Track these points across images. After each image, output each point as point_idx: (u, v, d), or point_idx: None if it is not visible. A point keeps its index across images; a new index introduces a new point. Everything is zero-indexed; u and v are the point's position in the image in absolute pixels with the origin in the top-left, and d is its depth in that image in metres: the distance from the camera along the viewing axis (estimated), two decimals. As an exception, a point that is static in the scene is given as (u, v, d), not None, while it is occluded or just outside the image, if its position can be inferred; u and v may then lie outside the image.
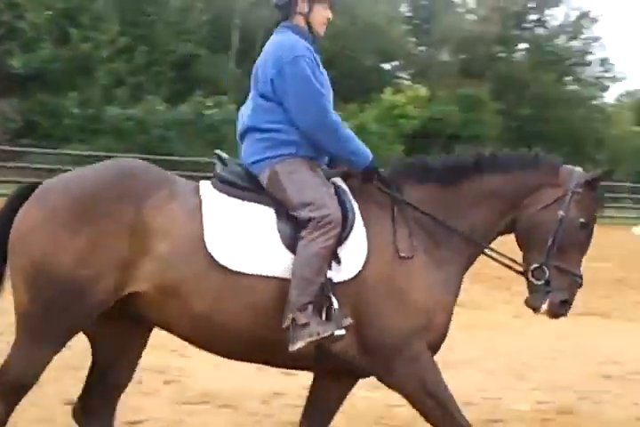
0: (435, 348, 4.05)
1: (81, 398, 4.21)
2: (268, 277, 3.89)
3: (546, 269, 4.17)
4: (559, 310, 4.21)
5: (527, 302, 4.27)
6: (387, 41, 40.06)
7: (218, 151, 4.38)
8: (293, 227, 3.98)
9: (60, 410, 5.01)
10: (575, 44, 47.26)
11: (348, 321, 3.85)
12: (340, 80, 23.57)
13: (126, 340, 4.14)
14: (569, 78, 47.43)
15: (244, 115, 4.32)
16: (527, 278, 4.25)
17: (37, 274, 3.74)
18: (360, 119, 31.36)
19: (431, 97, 36.06)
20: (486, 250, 4.30)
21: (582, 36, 46.97)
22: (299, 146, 4.18)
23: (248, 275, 3.88)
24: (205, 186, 4.08)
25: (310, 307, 3.83)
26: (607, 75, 48.44)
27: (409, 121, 34.27)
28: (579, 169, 4.39)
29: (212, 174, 4.20)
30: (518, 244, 4.35)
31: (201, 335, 4.04)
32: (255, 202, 4.08)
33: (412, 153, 19.93)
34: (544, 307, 4.19)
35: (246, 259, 3.90)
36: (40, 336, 3.85)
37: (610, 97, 50.24)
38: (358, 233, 3.99)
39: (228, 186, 4.12)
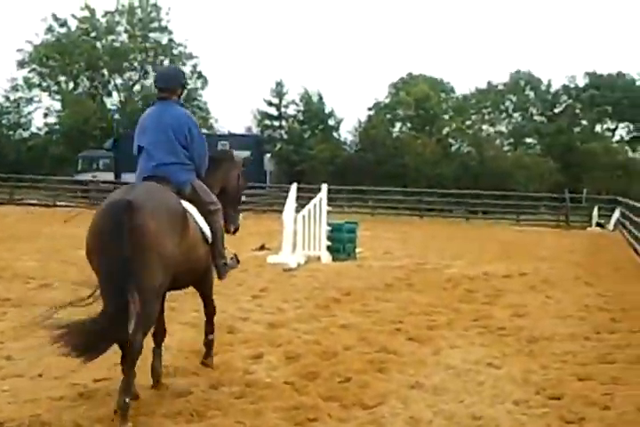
0: None
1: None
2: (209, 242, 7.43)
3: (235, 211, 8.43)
4: (237, 229, 8.48)
5: (226, 229, 8.13)
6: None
7: (149, 175, 7.32)
8: (203, 213, 7.39)
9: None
10: None
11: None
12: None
13: None
14: None
15: (161, 152, 7.34)
16: (231, 217, 8.29)
17: (168, 260, 6.34)
18: None
19: None
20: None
21: None
22: (197, 172, 7.64)
23: (209, 242, 7.42)
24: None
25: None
26: None
27: None
28: (239, 155, 8.61)
29: None
30: (224, 200, 8.02)
31: (189, 277, 7.30)
32: (188, 203, 7.24)
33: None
34: (232, 229, 8.35)
35: (207, 233, 7.36)
36: (162, 293, 6.79)
37: None
38: None
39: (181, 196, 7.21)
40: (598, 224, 39.71)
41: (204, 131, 70.67)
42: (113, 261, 6.11)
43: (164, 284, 6.50)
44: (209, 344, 8.21)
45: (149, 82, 74.94)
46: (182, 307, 11.82)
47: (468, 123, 75.47)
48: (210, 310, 8.15)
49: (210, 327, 8.19)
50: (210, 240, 7.42)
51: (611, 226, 38.89)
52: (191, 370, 7.98)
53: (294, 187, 19.65)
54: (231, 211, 8.30)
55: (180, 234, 6.62)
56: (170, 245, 6.40)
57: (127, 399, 6.17)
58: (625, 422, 6.61)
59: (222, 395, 7.15)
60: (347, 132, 74.35)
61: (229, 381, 7.60)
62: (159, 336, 7.57)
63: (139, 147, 7.49)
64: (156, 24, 74.15)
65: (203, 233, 7.29)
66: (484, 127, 77.41)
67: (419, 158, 65.08)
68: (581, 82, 77.45)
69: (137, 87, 75.41)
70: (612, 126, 78.18)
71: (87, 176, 48.74)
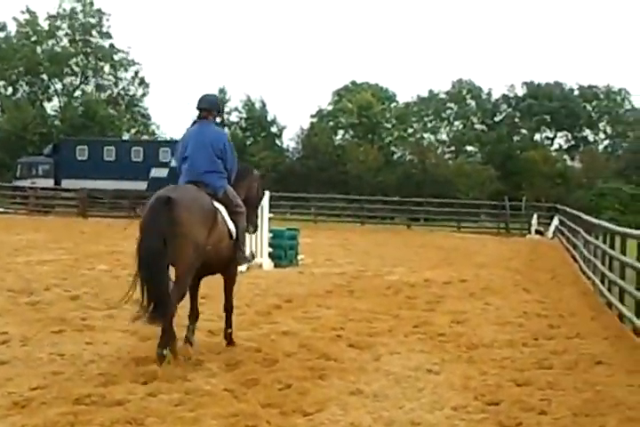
0: None
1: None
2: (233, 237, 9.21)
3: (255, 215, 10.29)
4: (256, 229, 10.52)
5: (249, 230, 9.99)
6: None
7: (192, 180, 9.13)
8: (230, 214, 9.20)
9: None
10: None
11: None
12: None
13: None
14: None
15: (201, 162, 9.18)
16: (251, 220, 10.03)
17: (199, 245, 8.44)
18: None
19: None
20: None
21: None
22: (228, 179, 9.40)
23: (233, 238, 9.20)
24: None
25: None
26: None
27: None
28: (253, 170, 10.41)
29: None
30: (246, 206, 9.63)
31: (217, 264, 9.18)
32: (220, 204, 9.07)
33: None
34: (251, 229, 10.11)
35: (232, 229, 9.18)
36: (193, 271, 8.63)
37: None
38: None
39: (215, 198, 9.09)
40: (537, 231, 40.22)
41: (145, 137, 70.40)
42: (154, 240, 8.27)
43: (194, 264, 8.60)
44: (228, 337, 9.73)
45: (90, 87, 74.33)
46: (121, 314, 11.70)
47: (409, 131, 76.01)
48: (228, 305, 9.82)
49: (228, 322, 9.77)
50: (234, 236, 9.29)
51: (550, 233, 39.40)
52: (129, 378, 7.86)
53: (236, 194, 19.55)
54: (251, 215, 10.07)
55: (210, 227, 8.69)
56: (200, 234, 8.52)
57: (165, 351, 8.28)
58: (561, 427, 6.69)
59: (161, 403, 7.05)
60: (289, 140, 74.41)
61: (168, 388, 7.51)
62: (193, 317, 9.52)
63: (183, 158, 9.41)
64: (97, 29, 73.45)
65: (229, 229, 9.18)
66: (426, 135, 78.02)
67: (361, 166, 65.31)
68: (520, 91, 78.52)
69: (77, 93, 74.58)
70: (551, 135, 79.44)
71: (26, 182, 47.99)
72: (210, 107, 9.53)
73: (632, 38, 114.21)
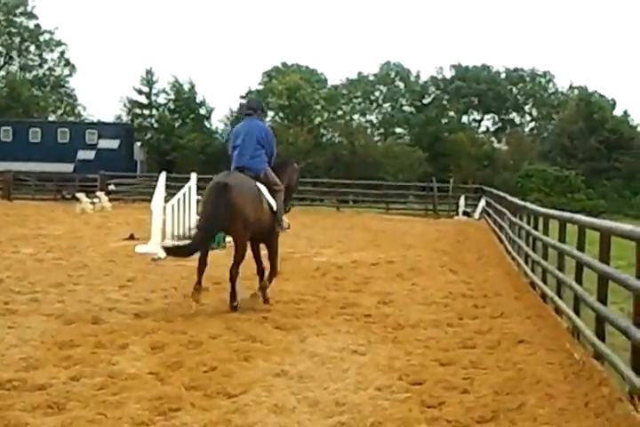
0: None
1: None
2: (273, 211, 11.76)
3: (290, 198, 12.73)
4: (290, 209, 12.85)
5: (286, 209, 12.46)
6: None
7: (239, 166, 11.79)
8: (270, 191, 11.72)
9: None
10: None
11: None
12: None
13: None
14: None
15: (248, 149, 11.77)
16: (287, 202, 12.47)
17: (248, 221, 11.16)
18: None
19: None
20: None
21: None
22: (269, 163, 12.01)
23: (274, 211, 11.77)
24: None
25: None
26: None
27: None
28: (294, 163, 13.22)
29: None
30: (285, 192, 12.13)
31: (261, 233, 11.67)
32: (261, 183, 11.65)
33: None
34: (287, 208, 12.45)
35: (273, 205, 11.73)
36: (246, 241, 11.45)
37: None
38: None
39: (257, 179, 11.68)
40: (465, 213, 40.68)
41: (72, 119, 69.29)
42: (214, 218, 11.03)
43: (247, 237, 11.33)
44: (264, 288, 11.97)
45: (14, 68, 72.96)
46: (46, 298, 11.55)
47: (339, 113, 76.08)
48: (273, 263, 12.12)
49: (270, 278, 12.11)
50: (274, 209, 11.73)
51: (476, 214, 39.89)
52: (52, 362, 7.78)
53: (163, 176, 19.38)
54: (288, 198, 12.47)
55: (256, 206, 11.31)
56: (249, 213, 11.12)
57: (235, 303, 11.14)
58: (482, 405, 6.78)
59: (83, 387, 6.98)
60: (218, 121, 73.90)
61: (91, 372, 7.44)
62: (260, 272, 12.08)
63: (234, 146, 11.99)
64: (22, 10, 71.93)
65: (269, 204, 11.66)
66: (355, 117, 78.19)
67: (290, 148, 65.15)
68: (448, 74, 79.12)
69: (1, 73, 73.02)
70: (478, 117, 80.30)
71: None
72: (255, 107, 12.46)
73: (555, 21, 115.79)
